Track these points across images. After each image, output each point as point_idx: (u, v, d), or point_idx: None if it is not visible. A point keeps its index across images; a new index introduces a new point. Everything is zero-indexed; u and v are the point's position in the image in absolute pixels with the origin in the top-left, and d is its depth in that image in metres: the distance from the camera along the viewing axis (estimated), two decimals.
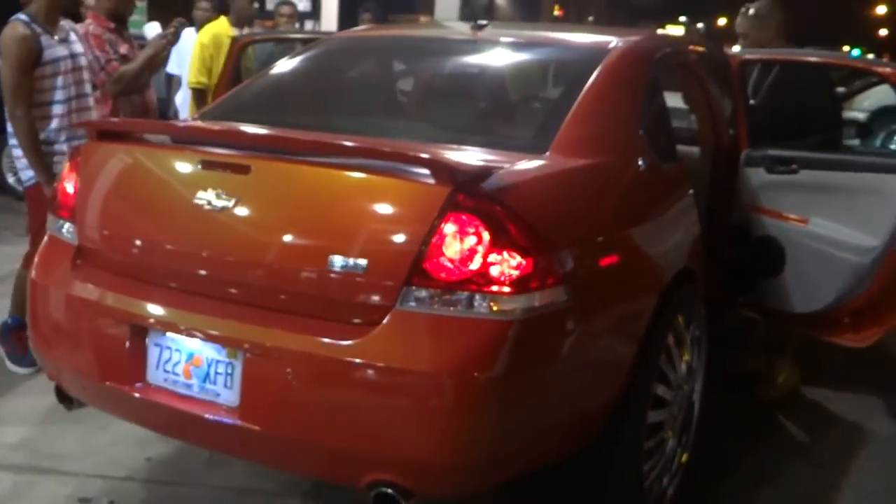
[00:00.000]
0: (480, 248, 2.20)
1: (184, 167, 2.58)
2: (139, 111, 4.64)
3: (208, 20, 7.21)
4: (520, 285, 2.20)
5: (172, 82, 7.12)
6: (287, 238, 2.37)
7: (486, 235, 2.20)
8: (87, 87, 4.18)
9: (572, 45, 3.30)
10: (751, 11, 4.50)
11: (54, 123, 3.94)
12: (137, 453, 3.40)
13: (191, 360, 2.45)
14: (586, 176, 2.60)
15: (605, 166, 2.68)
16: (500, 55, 3.25)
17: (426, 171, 2.24)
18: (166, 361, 2.48)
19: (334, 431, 2.25)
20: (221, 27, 5.89)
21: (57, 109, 3.94)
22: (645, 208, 2.86)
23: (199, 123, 2.85)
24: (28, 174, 3.98)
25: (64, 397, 2.83)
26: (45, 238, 2.90)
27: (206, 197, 2.41)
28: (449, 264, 2.20)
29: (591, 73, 2.88)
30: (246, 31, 5.91)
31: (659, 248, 2.87)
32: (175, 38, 4.70)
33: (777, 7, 4.52)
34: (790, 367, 4.08)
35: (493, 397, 2.20)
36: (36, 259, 2.88)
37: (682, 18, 49.33)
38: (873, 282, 3.40)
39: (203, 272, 2.47)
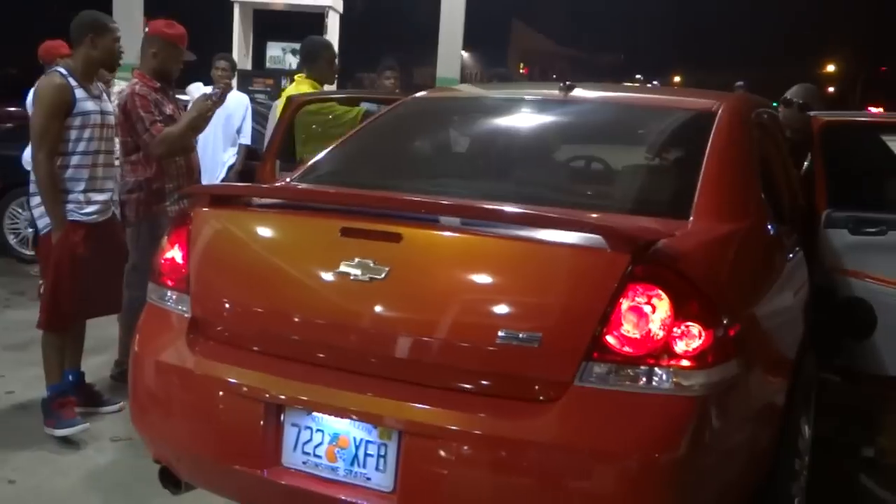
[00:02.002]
0: (663, 320, 2.09)
1: (321, 235, 2.44)
2: (184, 173, 4.49)
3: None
4: (701, 359, 2.10)
5: None
6: (449, 310, 2.23)
7: (667, 306, 2.10)
8: (115, 146, 4.18)
9: (675, 108, 3.25)
10: (797, 101, 4.50)
11: (70, 172, 3.92)
12: None
13: (335, 442, 2.28)
14: (738, 242, 2.53)
15: (747, 231, 2.61)
16: (605, 118, 3.19)
17: (599, 239, 2.15)
18: (306, 443, 2.32)
19: None
20: (303, 88, 5.46)
21: (76, 160, 3.92)
22: (780, 273, 2.79)
23: (333, 189, 2.71)
24: (44, 221, 3.93)
25: (169, 481, 2.64)
26: (146, 309, 2.73)
27: (353, 267, 2.28)
28: (631, 337, 2.09)
29: (707, 136, 2.82)
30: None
31: (792, 312, 2.80)
32: (221, 101, 4.57)
33: (817, 92, 4.56)
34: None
35: (681, 478, 2.08)
36: (138, 333, 2.70)
37: (638, 76, 50.55)
38: None
39: (349, 347, 2.32)
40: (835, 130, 3.79)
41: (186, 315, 2.57)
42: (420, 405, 2.19)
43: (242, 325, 2.51)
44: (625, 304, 2.10)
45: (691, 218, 2.50)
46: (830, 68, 40.82)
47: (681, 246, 2.26)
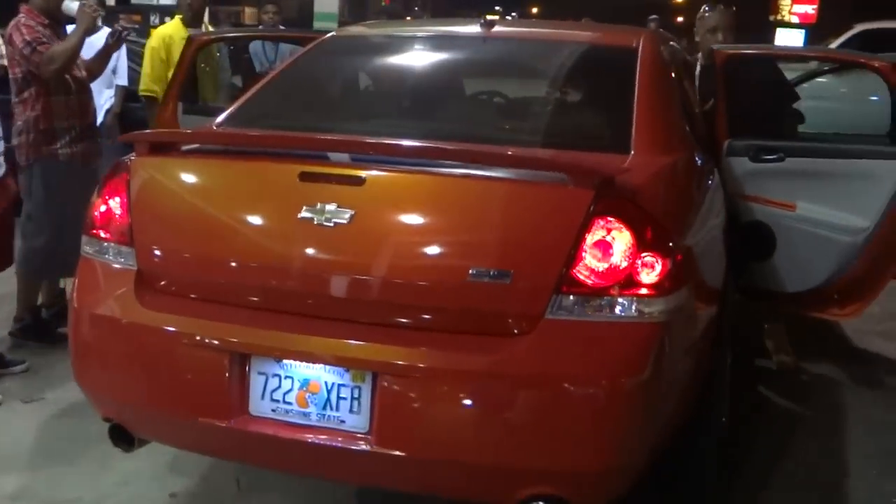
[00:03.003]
0: (626, 252, 2.19)
1: (278, 180, 2.40)
2: (76, 113, 4.25)
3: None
4: (660, 287, 2.22)
5: None
6: (418, 251, 2.26)
7: (629, 238, 2.19)
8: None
9: (598, 44, 3.32)
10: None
11: None
12: (158, 491, 3.13)
13: (306, 387, 2.29)
14: (677, 173, 2.65)
15: (683, 162, 2.74)
16: (533, 55, 3.22)
17: (562, 176, 2.21)
18: (274, 390, 2.31)
19: (486, 449, 2.18)
20: (172, 29, 5.41)
21: None
22: (710, 201, 2.94)
23: (289, 133, 2.64)
24: None
25: (121, 438, 2.57)
26: (82, 264, 2.61)
27: (315, 212, 2.26)
28: (597, 269, 2.18)
29: (633, 72, 2.91)
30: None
31: (720, 237, 2.96)
32: (118, 43, 4.41)
33: (729, 16, 4.59)
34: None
35: (646, 398, 2.21)
36: (77, 289, 2.59)
37: (497, 7, 50.82)
38: (864, 259, 3.65)
39: (316, 292, 2.32)
40: (735, 62, 3.97)
41: (132, 268, 2.48)
42: (394, 346, 2.22)
43: (197, 275, 2.45)
44: (590, 238, 2.18)
45: (632, 152, 2.60)
46: None
47: (634, 180, 2.35)
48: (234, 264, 2.39)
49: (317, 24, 9.70)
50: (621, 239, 2.19)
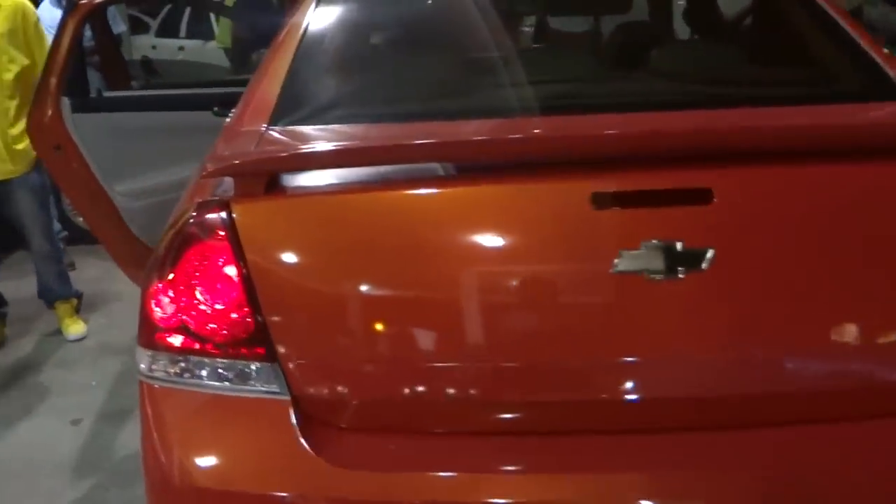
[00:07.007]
0: None
1: (550, 210, 1.39)
2: None
3: None
4: None
5: None
6: (849, 302, 1.36)
7: None
8: None
9: None
10: None
11: None
12: None
13: None
14: None
15: None
16: None
17: None
18: None
19: None
20: None
21: None
22: None
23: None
24: None
25: None
26: (148, 399, 1.48)
27: (645, 258, 1.32)
28: None
29: None
30: None
31: None
32: None
33: None
34: None
35: None
36: (157, 446, 1.45)
37: None
38: None
39: (671, 394, 1.38)
40: None
41: (279, 396, 1.40)
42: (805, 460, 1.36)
43: (417, 396, 1.40)
44: None
45: None
46: None
47: None
48: (498, 366, 1.38)
49: None
50: None
